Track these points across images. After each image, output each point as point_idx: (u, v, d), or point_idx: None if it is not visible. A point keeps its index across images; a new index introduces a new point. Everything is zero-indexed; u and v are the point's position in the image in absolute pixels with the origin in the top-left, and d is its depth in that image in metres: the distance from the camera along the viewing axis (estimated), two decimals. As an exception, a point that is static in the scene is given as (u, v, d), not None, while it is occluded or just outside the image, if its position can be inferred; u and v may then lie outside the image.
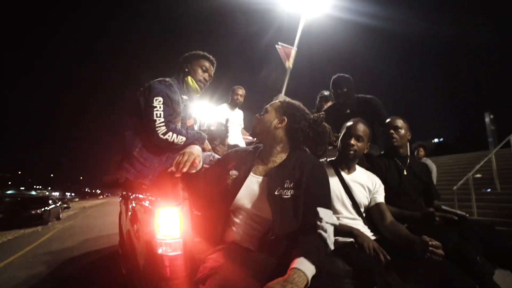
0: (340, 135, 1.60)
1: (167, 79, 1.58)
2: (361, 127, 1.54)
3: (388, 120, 1.88)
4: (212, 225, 1.29)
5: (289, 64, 5.50)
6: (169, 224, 1.19)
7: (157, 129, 1.40)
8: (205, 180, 1.32)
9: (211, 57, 1.73)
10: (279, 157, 1.23)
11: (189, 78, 1.67)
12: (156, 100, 1.44)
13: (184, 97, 1.65)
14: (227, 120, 3.32)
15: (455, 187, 5.25)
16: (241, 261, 1.01)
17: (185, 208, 1.23)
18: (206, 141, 1.65)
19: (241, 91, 3.47)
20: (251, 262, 1.03)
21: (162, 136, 1.40)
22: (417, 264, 1.12)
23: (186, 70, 1.68)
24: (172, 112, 1.48)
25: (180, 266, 1.15)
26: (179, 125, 1.55)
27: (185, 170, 1.24)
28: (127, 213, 2.28)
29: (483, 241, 1.41)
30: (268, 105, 1.31)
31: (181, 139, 1.45)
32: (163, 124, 1.41)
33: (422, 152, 4.79)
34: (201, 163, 1.34)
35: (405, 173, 1.76)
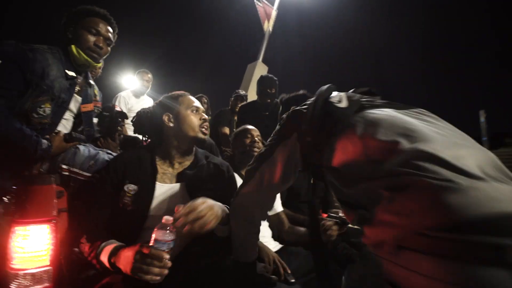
0: (232, 139, 1.61)
1: (42, 46, 1.12)
2: (258, 131, 1.58)
3: None
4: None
5: (269, 26, 4.67)
6: (32, 247, 0.88)
7: None
8: (87, 196, 1.01)
9: (101, 10, 1.25)
10: (186, 159, 1.13)
11: (73, 47, 1.20)
12: None
13: (70, 72, 1.21)
14: (128, 110, 2.92)
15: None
16: None
17: (60, 225, 0.93)
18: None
19: (148, 75, 3.10)
20: None
21: None
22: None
23: (70, 36, 1.22)
24: (12, 85, 1.04)
25: (46, 304, 0.86)
26: (47, 106, 1.13)
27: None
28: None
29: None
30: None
31: None
32: None
33: None
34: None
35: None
